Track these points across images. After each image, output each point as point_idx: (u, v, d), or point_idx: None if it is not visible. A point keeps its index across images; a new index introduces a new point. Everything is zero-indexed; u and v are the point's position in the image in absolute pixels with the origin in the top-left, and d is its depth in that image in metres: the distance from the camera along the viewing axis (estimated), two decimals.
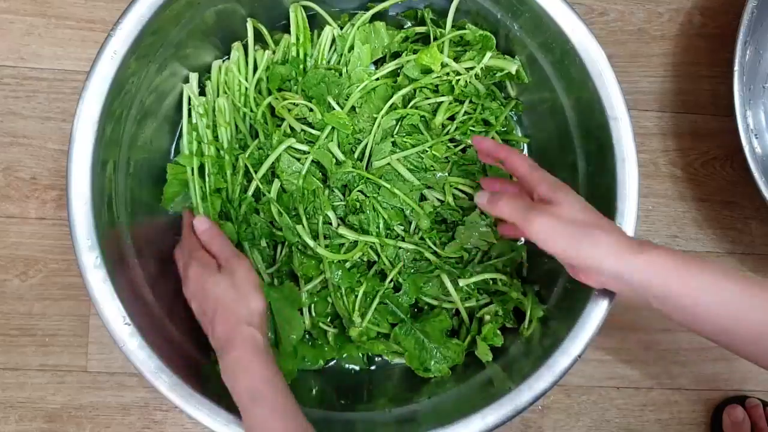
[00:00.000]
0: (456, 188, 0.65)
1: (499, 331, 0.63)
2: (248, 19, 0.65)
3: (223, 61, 0.67)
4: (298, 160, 0.63)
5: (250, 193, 0.64)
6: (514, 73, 0.65)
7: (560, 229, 0.47)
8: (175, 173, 0.64)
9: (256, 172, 0.63)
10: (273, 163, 0.63)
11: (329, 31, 0.66)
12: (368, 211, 0.63)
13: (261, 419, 0.50)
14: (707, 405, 0.77)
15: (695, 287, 0.45)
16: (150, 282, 0.60)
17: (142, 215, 0.63)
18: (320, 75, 0.64)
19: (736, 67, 0.66)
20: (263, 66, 0.65)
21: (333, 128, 0.63)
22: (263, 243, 0.65)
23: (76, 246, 0.54)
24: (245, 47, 0.66)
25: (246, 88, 0.65)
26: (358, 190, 0.63)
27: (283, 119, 0.65)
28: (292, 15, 0.65)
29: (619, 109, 0.58)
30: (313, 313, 0.65)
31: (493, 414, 0.55)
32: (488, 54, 0.63)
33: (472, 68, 0.64)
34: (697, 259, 0.46)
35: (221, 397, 0.55)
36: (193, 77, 0.65)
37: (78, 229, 0.54)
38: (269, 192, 0.63)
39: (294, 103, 0.64)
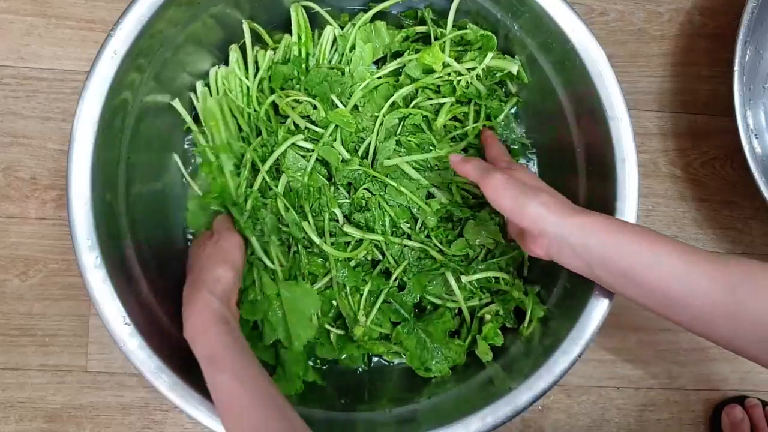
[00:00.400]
0: (462, 188, 0.65)
1: (499, 331, 0.64)
2: (244, 21, 0.65)
3: (219, 66, 0.67)
4: (303, 157, 0.63)
5: (255, 187, 0.63)
6: (515, 73, 0.65)
7: (511, 186, 0.50)
8: (197, 202, 0.67)
9: (261, 167, 0.63)
10: (278, 158, 0.63)
11: (330, 31, 0.66)
12: (374, 209, 0.63)
13: (221, 385, 0.49)
14: (707, 405, 0.77)
15: (630, 250, 0.46)
16: (150, 282, 0.60)
17: (142, 215, 0.63)
18: (323, 74, 0.64)
19: (736, 67, 0.66)
20: (265, 65, 0.65)
21: (336, 126, 0.63)
22: (274, 239, 0.64)
23: (76, 246, 0.54)
24: (242, 49, 0.66)
25: (248, 87, 0.65)
26: (365, 188, 0.63)
27: (286, 118, 0.65)
28: (293, 14, 0.65)
29: (619, 109, 0.58)
30: (318, 314, 0.64)
31: (492, 414, 0.55)
32: (489, 54, 0.64)
33: (473, 68, 0.64)
34: (633, 224, 0.48)
35: None
36: (199, 84, 0.66)
37: (78, 229, 0.54)
38: (276, 186, 0.63)
39: (297, 101, 0.63)
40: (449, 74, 0.64)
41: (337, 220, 0.64)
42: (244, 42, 0.66)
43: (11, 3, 0.72)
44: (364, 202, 0.64)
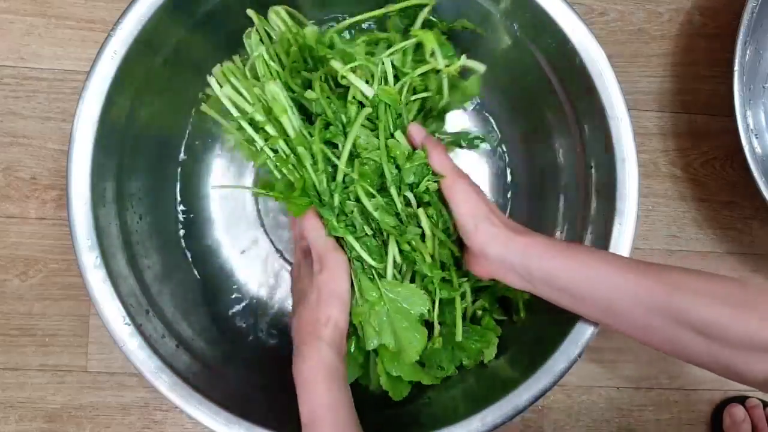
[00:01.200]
0: None
1: (494, 323, 0.63)
2: (249, 9, 0.61)
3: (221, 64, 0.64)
4: (373, 131, 0.56)
5: (339, 178, 0.55)
6: (481, 72, 0.61)
7: (474, 198, 0.51)
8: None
9: (336, 156, 0.55)
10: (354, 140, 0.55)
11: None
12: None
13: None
14: (707, 405, 0.77)
15: (568, 268, 0.48)
16: (150, 281, 0.60)
17: (143, 214, 0.63)
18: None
19: (736, 67, 0.66)
20: (286, 42, 0.59)
21: (387, 105, 0.57)
22: (368, 231, 0.56)
23: (76, 246, 0.54)
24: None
25: (278, 71, 0.58)
26: None
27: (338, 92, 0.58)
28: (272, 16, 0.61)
29: (619, 109, 0.58)
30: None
31: (492, 414, 0.55)
32: (464, 56, 0.59)
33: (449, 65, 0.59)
34: (569, 243, 0.51)
35: (221, 397, 0.55)
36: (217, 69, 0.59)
37: (78, 229, 0.54)
38: (352, 172, 0.55)
39: (355, 67, 0.56)
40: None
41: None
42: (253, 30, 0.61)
43: (11, 3, 0.72)
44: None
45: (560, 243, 0.51)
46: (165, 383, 0.54)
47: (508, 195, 0.73)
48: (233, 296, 0.70)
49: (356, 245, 0.55)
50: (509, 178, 0.74)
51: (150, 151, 0.65)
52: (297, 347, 0.51)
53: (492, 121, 0.74)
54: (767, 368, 0.43)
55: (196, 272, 0.68)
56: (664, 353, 0.48)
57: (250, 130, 0.58)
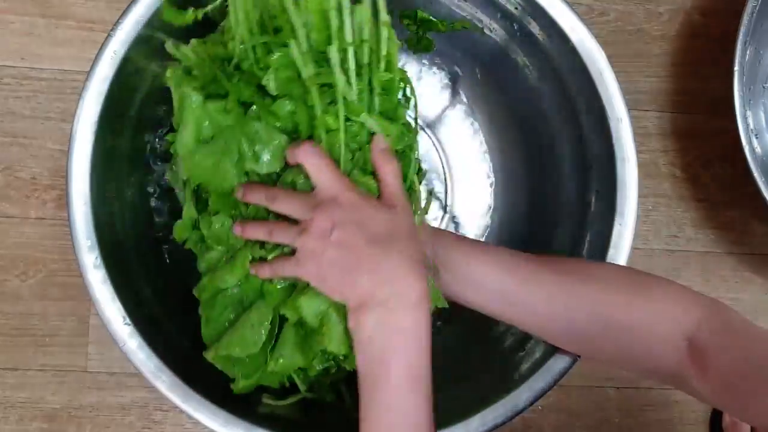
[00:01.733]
0: None
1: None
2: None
3: None
4: None
5: None
6: None
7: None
8: None
9: None
10: None
11: None
12: None
13: (415, 408, 0.42)
14: (707, 405, 0.77)
15: (470, 261, 0.49)
16: (150, 281, 0.60)
17: (143, 214, 0.63)
18: None
19: (736, 67, 0.66)
20: None
21: None
22: None
23: (76, 246, 0.54)
24: None
25: None
26: None
27: None
28: None
29: (619, 109, 0.58)
30: None
31: (492, 414, 0.55)
32: None
33: None
34: (463, 240, 0.52)
35: (221, 397, 0.55)
36: None
37: (78, 229, 0.54)
38: None
39: None
40: None
41: None
42: None
43: (11, 3, 0.72)
44: None
45: (457, 235, 0.52)
46: (165, 383, 0.54)
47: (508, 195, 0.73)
48: None
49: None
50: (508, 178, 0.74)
51: (149, 151, 0.65)
52: (381, 304, 0.42)
53: (485, 121, 0.74)
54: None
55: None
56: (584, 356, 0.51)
57: None
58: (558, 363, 0.56)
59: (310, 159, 0.45)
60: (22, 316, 0.71)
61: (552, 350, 0.56)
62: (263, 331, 0.48)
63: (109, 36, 0.55)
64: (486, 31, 0.66)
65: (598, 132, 0.59)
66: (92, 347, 0.71)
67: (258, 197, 0.47)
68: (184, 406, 0.54)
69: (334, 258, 0.43)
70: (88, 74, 0.55)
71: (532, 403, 0.55)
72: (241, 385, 0.52)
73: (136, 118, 0.61)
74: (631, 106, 0.59)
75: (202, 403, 0.54)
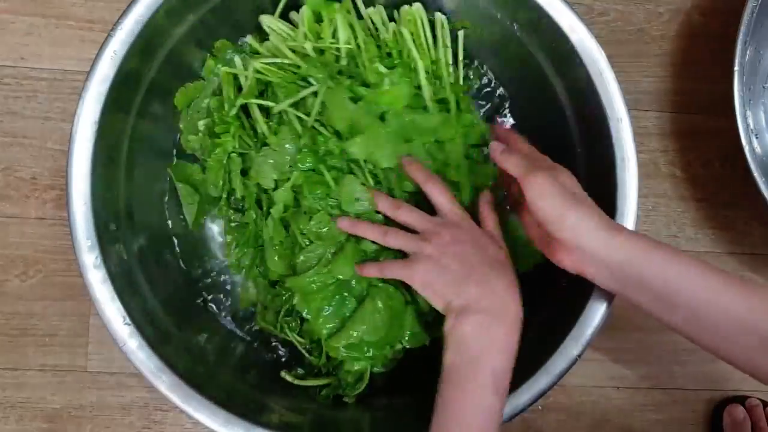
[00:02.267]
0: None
1: None
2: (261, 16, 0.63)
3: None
4: None
5: None
6: None
7: (555, 192, 0.49)
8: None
9: None
10: None
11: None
12: None
13: (492, 409, 0.46)
14: (707, 405, 0.77)
15: (666, 270, 0.46)
16: (150, 281, 0.60)
17: (142, 214, 0.63)
18: None
19: (736, 67, 0.66)
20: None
21: None
22: None
23: (76, 246, 0.54)
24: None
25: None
26: None
27: None
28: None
29: (619, 109, 0.58)
30: None
31: None
32: None
33: None
34: (669, 246, 0.47)
35: (221, 397, 0.55)
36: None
37: (78, 229, 0.54)
38: None
39: None
40: None
41: None
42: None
43: (11, 3, 0.72)
44: None
45: (658, 243, 0.47)
46: (165, 383, 0.54)
47: None
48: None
49: None
50: None
51: (149, 151, 0.65)
52: (496, 304, 0.49)
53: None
54: None
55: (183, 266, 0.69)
56: (746, 373, 0.48)
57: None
58: (558, 363, 0.56)
59: (437, 187, 0.55)
60: (22, 316, 0.71)
61: (551, 350, 0.56)
62: (386, 318, 0.57)
63: (109, 36, 0.55)
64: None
65: (598, 132, 0.59)
66: (92, 347, 0.71)
67: (384, 204, 0.56)
68: (184, 406, 0.54)
69: (448, 265, 0.50)
70: (88, 74, 0.55)
71: (532, 403, 0.55)
72: (356, 367, 0.60)
73: (136, 117, 0.61)
74: (631, 106, 0.59)
75: (202, 403, 0.54)
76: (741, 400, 0.76)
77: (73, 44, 0.73)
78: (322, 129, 0.59)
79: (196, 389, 0.54)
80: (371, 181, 0.59)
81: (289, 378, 0.61)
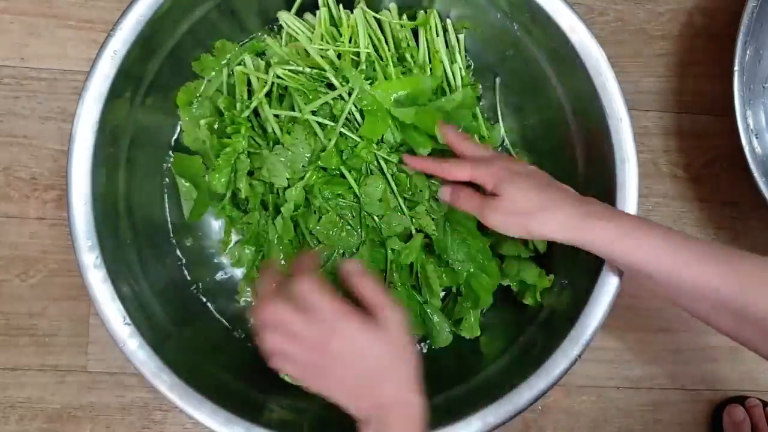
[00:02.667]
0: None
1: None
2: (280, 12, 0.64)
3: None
4: None
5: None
6: None
7: (510, 220, 0.52)
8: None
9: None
10: None
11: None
12: None
13: None
14: (707, 405, 0.77)
15: (641, 257, 0.49)
16: (150, 282, 0.60)
17: (143, 214, 0.63)
18: None
19: (736, 67, 0.66)
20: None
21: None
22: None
23: (76, 246, 0.54)
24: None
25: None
26: None
27: None
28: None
29: (619, 109, 0.58)
30: None
31: (493, 414, 0.55)
32: None
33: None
34: (641, 226, 0.49)
35: (221, 397, 0.55)
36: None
37: (78, 229, 0.54)
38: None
39: None
40: None
41: None
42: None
43: (11, 3, 0.72)
44: None
45: (625, 227, 0.50)
46: (165, 383, 0.54)
47: None
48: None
49: None
50: None
51: (148, 151, 0.65)
52: (380, 412, 0.46)
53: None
54: None
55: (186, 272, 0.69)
56: (729, 338, 0.49)
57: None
58: (558, 363, 0.56)
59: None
60: (22, 316, 0.71)
61: (551, 350, 0.56)
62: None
63: (109, 36, 0.55)
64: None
65: (598, 132, 0.59)
66: (92, 347, 0.71)
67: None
68: (184, 406, 0.54)
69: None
70: (88, 74, 0.55)
71: (532, 403, 0.55)
72: None
73: (137, 117, 0.61)
74: (631, 106, 0.59)
75: (203, 403, 0.54)
76: (741, 400, 0.76)
77: (73, 44, 0.73)
78: (347, 132, 0.60)
79: (196, 389, 0.54)
80: (393, 184, 0.61)
81: (287, 378, 0.61)
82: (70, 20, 0.73)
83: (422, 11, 0.67)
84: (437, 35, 0.65)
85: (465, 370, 0.64)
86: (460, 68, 0.65)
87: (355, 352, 0.46)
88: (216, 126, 0.63)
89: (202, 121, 0.63)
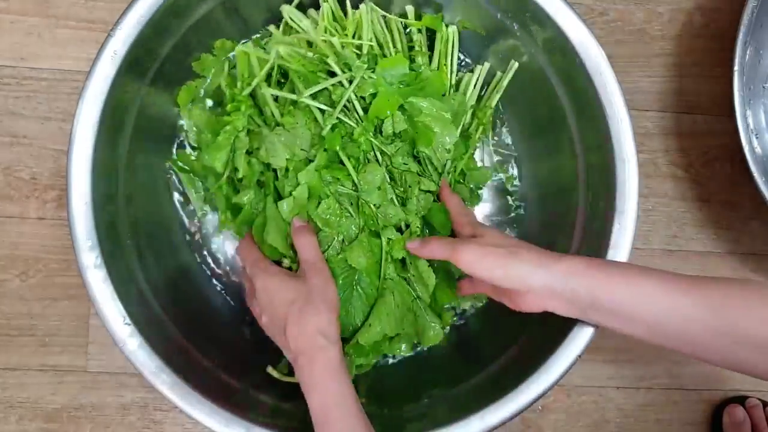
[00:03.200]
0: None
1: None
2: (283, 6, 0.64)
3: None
4: None
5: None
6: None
7: (486, 253, 0.51)
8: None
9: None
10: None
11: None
12: None
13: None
14: (707, 405, 0.77)
15: (616, 290, 0.47)
16: (150, 282, 0.60)
17: (143, 214, 0.63)
18: None
19: (736, 67, 0.66)
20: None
21: None
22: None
23: (76, 246, 0.54)
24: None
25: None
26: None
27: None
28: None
29: (619, 109, 0.58)
30: None
31: (493, 414, 0.55)
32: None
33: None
34: (614, 263, 0.50)
35: (221, 397, 0.55)
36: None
37: (78, 229, 0.54)
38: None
39: None
40: None
41: None
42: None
43: (11, 3, 0.72)
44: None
45: (603, 262, 0.50)
46: (165, 383, 0.54)
47: (509, 195, 0.73)
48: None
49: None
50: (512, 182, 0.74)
51: (149, 151, 0.65)
52: (302, 353, 0.51)
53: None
54: None
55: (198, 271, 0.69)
56: (723, 368, 0.48)
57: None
58: (558, 363, 0.56)
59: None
60: (22, 316, 0.71)
61: (551, 350, 0.56)
62: (399, 314, 0.61)
63: (109, 36, 0.55)
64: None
65: (598, 132, 0.59)
66: (92, 347, 0.71)
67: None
68: (184, 406, 0.54)
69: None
70: (88, 74, 0.55)
71: (532, 403, 0.55)
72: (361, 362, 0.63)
73: (137, 117, 0.61)
74: (631, 106, 0.59)
75: (202, 403, 0.54)
76: (741, 400, 0.76)
77: (73, 44, 0.73)
78: (345, 118, 0.60)
79: (196, 389, 0.54)
80: (387, 177, 0.61)
81: (275, 374, 0.61)
82: (69, 20, 0.73)
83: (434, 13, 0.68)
84: (452, 45, 0.66)
85: (465, 370, 0.64)
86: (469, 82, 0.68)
87: (268, 297, 0.55)
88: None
89: (199, 107, 0.65)
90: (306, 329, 0.52)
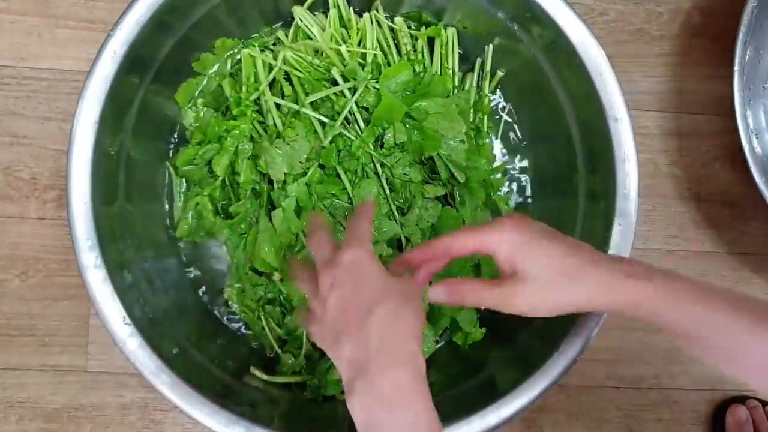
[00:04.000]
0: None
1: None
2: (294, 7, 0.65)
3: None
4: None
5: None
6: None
7: (543, 301, 0.44)
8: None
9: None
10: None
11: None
12: None
13: None
14: (707, 405, 0.77)
15: (687, 322, 0.42)
16: (150, 281, 0.60)
17: (143, 214, 0.63)
18: None
19: (736, 67, 0.66)
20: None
21: None
22: None
23: (76, 246, 0.54)
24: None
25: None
26: None
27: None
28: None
29: (619, 109, 0.58)
30: None
31: (493, 414, 0.55)
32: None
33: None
34: (687, 289, 0.43)
35: (221, 397, 0.55)
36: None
37: (78, 229, 0.54)
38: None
39: None
40: None
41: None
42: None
43: (11, 3, 0.72)
44: None
45: (669, 289, 0.43)
46: (165, 383, 0.54)
47: (509, 196, 0.73)
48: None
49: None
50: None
51: (149, 150, 0.65)
52: (387, 354, 0.41)
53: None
54: None
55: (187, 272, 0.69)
56: None
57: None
58: (558, 363, 0.56)
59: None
60: (22, 316, 0.71)
61: (551, 350, 0.56)
62: None
63: (109, 36, 0.55)
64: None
65: (598, 132, 0.59)
66: (92, 347, 0.71)
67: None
68: (184, 406, 0.54)
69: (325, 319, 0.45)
70: (88, 74, 0.55)
71: (532, 403, 0.55)
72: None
73: (136, 116, 0.61)
74: (631, 106, 0.59)
75: (202, 403, 0.54)
76: (741, 400, 0.76)
77: (73, 44, 0.72)
78: (345, 131, 0.60)
79: (196, 389, 0.54)
80: (387, 188, 0.60)
81: (257, 374, 0.61)
82: (69, 20, 0.73)
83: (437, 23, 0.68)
84: (452, 47, 0.67)
85: (465, 370, 0.64)
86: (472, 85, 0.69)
87: (353, 275, 0.44)
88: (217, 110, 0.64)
89: (200, 101, 0.64)
90: (400, 329, 0.42)
